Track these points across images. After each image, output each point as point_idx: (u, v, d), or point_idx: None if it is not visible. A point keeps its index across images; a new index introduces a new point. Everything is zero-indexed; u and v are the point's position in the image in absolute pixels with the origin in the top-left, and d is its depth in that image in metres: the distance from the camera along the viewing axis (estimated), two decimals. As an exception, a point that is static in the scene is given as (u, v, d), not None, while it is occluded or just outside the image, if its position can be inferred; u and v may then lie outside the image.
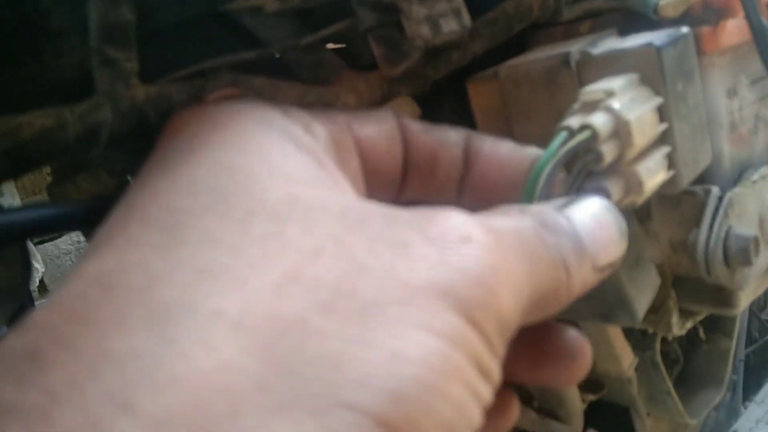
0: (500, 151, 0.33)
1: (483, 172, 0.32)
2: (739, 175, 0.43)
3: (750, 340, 1.05)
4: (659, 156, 0.36)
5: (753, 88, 0.44)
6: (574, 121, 0.34)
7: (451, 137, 0.31)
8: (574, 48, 0.39)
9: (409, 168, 0.30)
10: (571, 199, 0.29)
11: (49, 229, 0.24)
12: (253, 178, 0.20)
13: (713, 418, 0.79)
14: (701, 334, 0.66)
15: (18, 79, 0.32)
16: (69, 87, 0.33)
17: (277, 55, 0.38)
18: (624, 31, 0.43)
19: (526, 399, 0.56)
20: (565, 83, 0.40)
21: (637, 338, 0.55)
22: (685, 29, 0.37)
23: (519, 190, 0.32)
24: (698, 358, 0.69)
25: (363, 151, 0.28)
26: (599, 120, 0.33)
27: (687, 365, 0.67)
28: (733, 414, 0.80)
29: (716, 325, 0.68)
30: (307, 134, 0.25)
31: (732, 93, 0.42)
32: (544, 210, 0.26)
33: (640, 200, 0.36)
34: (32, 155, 0.26)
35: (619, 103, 0.34)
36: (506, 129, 0.44)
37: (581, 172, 0.34)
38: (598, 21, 0.47)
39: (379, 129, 0.29)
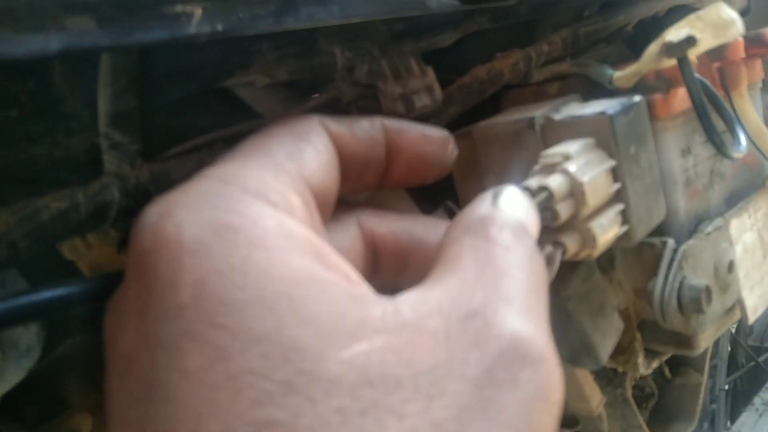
0: (415, 140, 0.32)
1: (402, 163, 0.32)
2: (695, 227, 0.47)
3: (737, 367, 1.08)
4: (613, 213, 0.39)
5: (707, 146, 0.47)
6: (533, 182, 0.37)
7: (376, 139, 0.30)
8: (539, 113, 0.43)
9: (341, 180, 0.29)
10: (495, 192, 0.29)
11: (63, 308, 0.27)
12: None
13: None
14: (666, 372, 0.69)
15: (35, 156, 0.36)
16: (78, 163, 0.37)
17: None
18: (589, 94, 0.47)
19: None
20: (531, 144, 0.43)
21: (609, 376, 0.58)
22: (637, 98, 0.41)
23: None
24: (671, 392, 0.72)
25: (314, 191, 0.26)
26: (555, 182, 0.37)
27: (661, 399, 0.70)
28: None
29: (688, 361, 0.71)
30: (302, 224, 0.23)
31: (686, 152, 0.46)
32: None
33: (595, 253, 0.39)
34: (49, 235, 0.30)
35: (575, 166, 0.38)
36: (479, 181, 0.47)
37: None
38: (565, 83, 0.51)
39: (320, 160, 0.26)
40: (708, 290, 0.43)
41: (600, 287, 0.45)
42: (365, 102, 0.42)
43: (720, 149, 0.41)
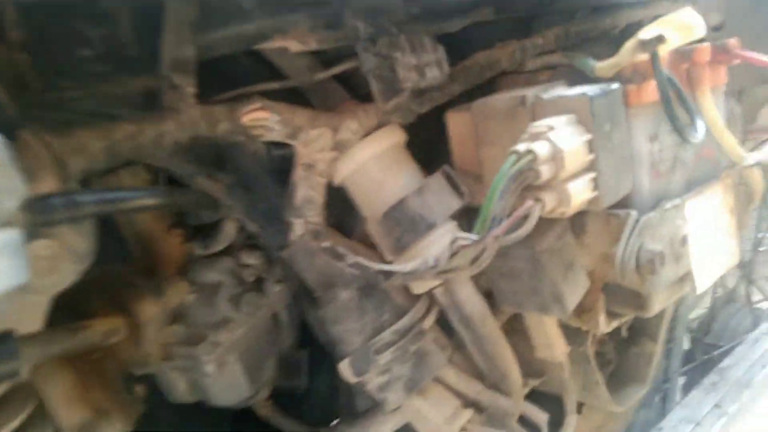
0: None
1: None
2: (656, 203, 0.54)
3: (693, 361, 1.17)
4: (586, 179, 0.46)
5: (673, 135, 0.55)
6: (521, 147, 0.44)
7: None
8: (530, 92, 0.50)
9: None
10: None
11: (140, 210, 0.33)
12: None
13: (644, 415, 0.90)
14: (623, 332, 0.76)
15: (103, 92, 0.43)
16: (135, 100, 0.44)
17: (296, 86, 0.49)
18: (575, 85, 0.54)
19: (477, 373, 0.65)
20: (522, 119, 0.50)
21: (574, 335, 0.65)
22: (615, 85, 0.48)
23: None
24: (629, 359, 0.79)
25: None
26: (540, 147, 0.44)
27: (619, 365, 0.77)
28: (660, 414, 0.91)
29: (645, 331, 0.78)
30: None
31: (654, 138, 0.53)
32: None
33: (569, 212, 0.46)
34: (121, 152, 0.36)
35: (557, 136, 0.45)
36: (474, 152, 0.54)
37: (523, 184, 0.44)
38: (555, 73, 0.58)
39: None
40: (662, 255, 0.50)
41: (572, 246, 0.52)
42: (382, 71, 0.49)
43: (680, 133, 0.48)
